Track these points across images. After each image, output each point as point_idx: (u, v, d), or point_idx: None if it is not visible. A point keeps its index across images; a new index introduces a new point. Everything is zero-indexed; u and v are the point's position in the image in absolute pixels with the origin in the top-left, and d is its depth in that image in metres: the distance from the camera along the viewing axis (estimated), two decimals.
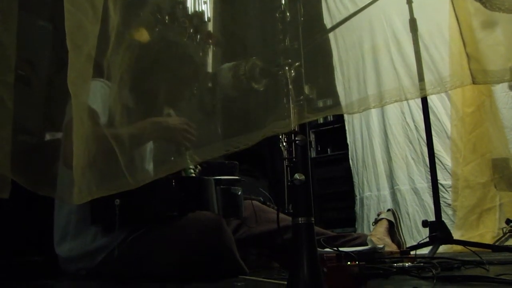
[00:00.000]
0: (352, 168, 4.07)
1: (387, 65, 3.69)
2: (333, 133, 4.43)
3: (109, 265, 1.58)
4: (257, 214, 1.92)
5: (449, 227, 2.58)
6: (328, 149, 4.55)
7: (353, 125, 4.10)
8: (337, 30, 3.55)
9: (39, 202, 1.22)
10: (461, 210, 3.18)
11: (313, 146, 4.53)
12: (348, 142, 4.13)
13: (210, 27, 3.12)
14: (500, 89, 3.23)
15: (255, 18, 1.41)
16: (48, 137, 1.84)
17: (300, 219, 0.96)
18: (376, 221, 2.41)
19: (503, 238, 2.91)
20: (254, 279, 1.48)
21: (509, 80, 2.60)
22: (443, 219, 2.50)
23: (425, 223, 2.47)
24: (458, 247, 2.58)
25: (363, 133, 3.99)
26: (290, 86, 1.01)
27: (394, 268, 1.43)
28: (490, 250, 2.43)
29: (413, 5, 2.64)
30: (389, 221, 2.35)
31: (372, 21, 3.73)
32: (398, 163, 3.71)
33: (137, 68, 1.45)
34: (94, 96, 1.43)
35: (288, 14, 1.06)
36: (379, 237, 2.22)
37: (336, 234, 2.12)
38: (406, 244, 2.35)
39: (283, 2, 1.07)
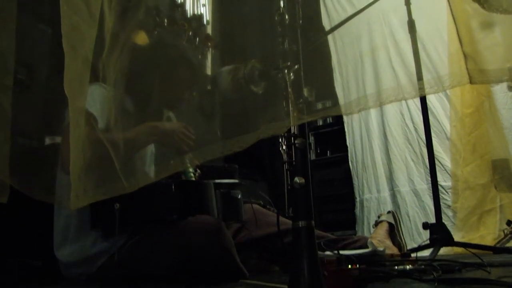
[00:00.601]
0: (351, 170, 4.06)
1: (386, 66, 3.69)
2: (333, 135, 4.43)
3: (109, 270, 1.58)
4: (257, 218, 1.92)
5: (450, 228, 2.57)
6: (328, 151, 4.55)
7: (353, 127, 4.10)
8: (335, 32, 3.56)
9: (39, 205, 1.21)
10: (462, 212, 3.17)
11: (312, 149, 4.53)
12: (348, 144, 4.12)
13: (209, 30, 3.13)
14: (499, 90, 3.23)
15: (253, 21, 1.41)
16: (47, 141, 1.84)
17: (300, 222, 0.96)
18: (377, 223, 2.40)
19: (504, 240, 2.91)
20: (254, 283, 1.47)
21: (508, 80, 2.60)
22: (443, 220, 2.50)
23: (425, 225, 2.47)
24: (459, 249, 2.57)
25: (363, 135, 3.99)
26: (289, 89, 1.01)
27: (395, 271, 1.42)
28: (491, 252, 2.43)
29: (411, 6, 2.65)
30: (389, 223, 2.34)
31: (370, 23, 3.74)
32: (397, 164, 3.71)
33: (134, 71, 1.46)
34: (93, 100, 1.43)
35: (286, 16, 1.06)
36: (379, 240, 2.21)
37: (337, 237, 2.11)
38: (406, 247, 2.34)
39: (281, 5, 1.07)
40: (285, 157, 1.00)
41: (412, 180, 3.62)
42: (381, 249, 1.86)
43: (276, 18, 1.07)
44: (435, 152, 2.69)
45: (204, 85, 1.83)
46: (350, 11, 3.51)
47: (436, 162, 2.87)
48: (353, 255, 1.35)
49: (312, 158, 4.44)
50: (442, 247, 2.39)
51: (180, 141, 1.62)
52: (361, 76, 3.84)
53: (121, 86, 1.34)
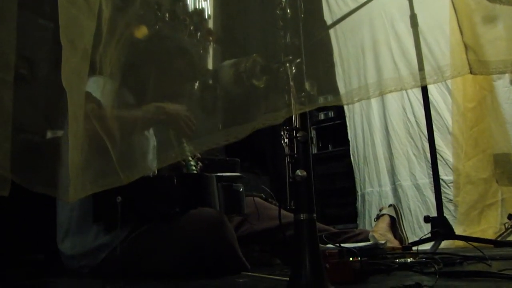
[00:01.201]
0: (353, 164, 4.06)
1: (387, 60, 3.69)
2: (334, 129, 4.43)
3: (111, 263, 1.59)
4: (259, 211, 1.92)
5: (451, 222, 2.58)
6: (329, 145, 4.55)
7: (354, 121, 4.10)
8: (337, 26, 3.55)
9: (42, 199, 1.22)
10: (463, 206, 3.18)
11: (314, 143, 4.53)
12: (349, 138, 4.13)
13: (210, 24, 3.12)
14: (501, 84, 3.22)
15: (255, 15, 1.41)
16: (49, 135, 1.84)
17: (302, 215, 0.96)
18: (378, 217, 2.41)
19: (505, 233, 2.91)
20: (256, 276, 1.48)
21: (509, 72, 2.60)
22: (445, 214, 2.50)
23: (427, 219, 2.48)
24: (460, 243, 2.58)
25: (364, 129, 3.99)
26: (291, 83, 1.01)
27: (396, 264, 1.43)
28: (492, 246, 2.44)
29: (414, 0, 2.65)
30: (391, 216, 2.35)
31: (372, 17, 3.73)
32: (399, 158, 3.71)
33: (133, 63, 1.46)
34: (97, 87, 1.43)
35: (288, 10, 1.06)
36: (381, 233, 2.22)
37: (338, 230, 2.12)
38: (408, 240, 2.35)
39: None
40: (287, 150, 1.00)
41: (413, 174, 3.62)
42: (383, 242, 1.87)
43: (277, 12, 1.07)
44: (436, 147, 2.70)
45: (205, 79, 1.83)
46: (352, 5, 3.50)
47: (438, 156, 2.87)
48: (354, 248, 1.36)
49: (313, 152, 4.45)
50: (443, 240, 2.39)
51: (184, 124, 1.63)
52: (363, 70, 3.83)
53: (120, 78, 1.34)
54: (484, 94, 3.26)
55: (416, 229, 3.40)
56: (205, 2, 3.45)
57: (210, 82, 1.61)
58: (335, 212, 4.17)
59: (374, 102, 3.91)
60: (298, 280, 0.92)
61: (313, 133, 4.53)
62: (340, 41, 3.92)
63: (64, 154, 1.20)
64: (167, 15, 2.80)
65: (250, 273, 1.54)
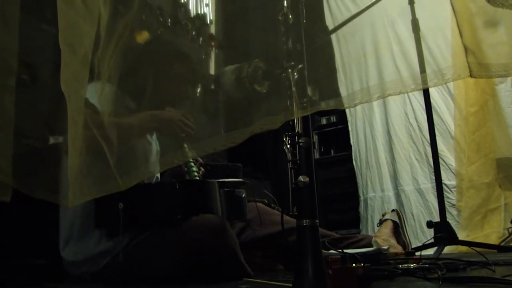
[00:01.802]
0: (355, 169, 4.06)
1: (389, 63, 3.69)
2: (336, 134, 4.43)
3: (113, 269, 1.58)
4: (262, 217, 1.92)
5: (454, 227, 2.57)
6: (332, 150, 4.55)
7: (356, 126, 4.09)
8: (339, 31, 3.55)
9: (44, 203, 1.21)
10: (466, 211, 3.17)
11: (316, 148, 4.52)
12: (352, 143, 4.12)
13: (212, 29, 3.13)
14: (503, 89, 3.22)
15: (257, 20, 1.41)
16: (51, 140, 1.84)
17: (304, 221, 0.96)
18: (381, 222, 2.40)
19: (508, 238, 2.90)
20: (258, 282, 1.47)
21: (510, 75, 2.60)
22: (447, 219, 2.49)
23: (430, 224, 2.47)
24: (463, 248, 2.57)
25: (367, 134, 3.99)
26: (293, 88, 1.01)
27: (399, 270, 1.42)
28: (495, 251, 2.43)
29: (415, 5, 2.65)
30: (393, 221, 2.34)
31: (373, 21, 3.73)
32: (401, 163, 3.70)
33: (132, 68, 1.46)
34: (95, 96, 1.43)
35: (290, 16, 1.06)
36: (384, 238, 2.21)
37: (341, 235, 2.12)
38: (411, 245, 2.35)
39: (285, 4, 1.07)
40: (289, 156, 1.00)
41: (416, 179, 3.61)
42: (386, 247, 1.87)
43: (279, 17, 1.07)
44: (439, 151, 2.69)
45: (207, 84, 1.84)
46: (354, 10, 3.50)
47: (440, 161, 2.86)
48: (357, 253, 1.36)
49: (316, 157, 4.44)
50: (446, 245, 2.39)
51: (178, 128, 1.63)
52: (365, 74, 3.83)
53: (121, 83, 1.34)
54: (486, 98, 3.26)
55: (419, 234, 3.39)
56: (207, 7, 3.46)
57: (212, 87, 1.61)
58: (337, 217, 4.16)
59: (376, 107, 3.91)
60: (300, 286, 0.92)
61: (315, 138, 4.53)
62: (342, 45, 3.92)
63: (65, 160, 1.20)
64: (169, 20, 2.81)
65: (252, 279, 1.54)
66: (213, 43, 2.56)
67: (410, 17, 2.68)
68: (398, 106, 3.77)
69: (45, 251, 1.92)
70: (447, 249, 2.45)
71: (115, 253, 1.58)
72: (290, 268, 1.89)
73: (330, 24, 3.74)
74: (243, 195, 1.74)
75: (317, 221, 0.97)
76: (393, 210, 2.45)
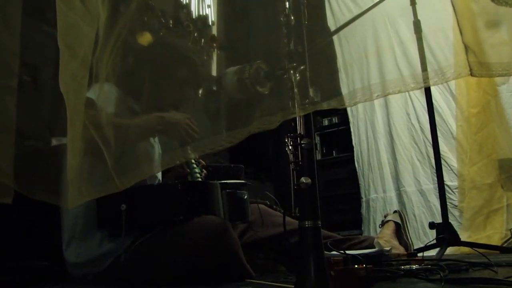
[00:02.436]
0: (357, 170, 4.05)
1: (390, 62, 3.68)
2: (338, 135, 4.43)
3: (116, 270, 1.58)
4: (264, 218, 1.92)
5: (456, 228, 2.57)
6: (333, 151, 4.54)
7: (358, 127, 4.09)
8: (341, 32, 3.55)
9: (47, 204, 1.21)
10: (468, 212, 3.16)
11: (318, 149, 4.52)
12: (353, 144, 4.12)
13: (214, 31, 3.13)
14: (505, 89, 3.21)
15: (259, 21, 1.41)
16: (54, 142, 1.84)
17: (306, 222, 0.96)
18: (383, 223, 2.40)
19: (510, 239, 2.90)
20: (260, 283, 1.47)
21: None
22: (450, 220, 2.49)
23: (432, 225, 2.47)
24: (466, 249, 2.57)
25: (368, 135, 3.98)
26: (295, 90, 1.01)
27: (401, 271, 1.42)
28: (498, 252, 2.42)
29: (417, 6, 2.66)
30: (395, 223, 2.34)
31: (375, 23, 3.73)
32: (403, 164, 3.70)
33: (135, 70, 1.46)
34: (93, 96, 1.42)
35: (292, 17, 1.06)
36: (386, 240, 2.21)
37: (343, 237, 2.11)
38: (413, 246, 2.34)
39: (287, 5, 1.07)
40: (291, 157, 1.00)
41: (418, 180, 3.61)
42: (388, 249, 1.86)
43: (281, 19, 1.08)
44: (441, 152, 2.69)
45: (209, 85, 1.84)
46: (355, 11, 3.50)
47: (442, 162, 2.86)
48: (359, 255, 1.35)
49: (318, 158, 4.44)
50: (448, 246, 2.38)
51: (184, 132, 1.63)
52: (366, 74, 3.83)
53: (123, 85, 1.34)
54: (488, 99, 3.25)
55: (421, 235, 3.38)
56: (209, 8, 3.46)
57: (214, 88, 1.61)
58: (339, 218, 4.16)
59: (378, 108, 3.91)
60: (303, 287, 0.92)
61: (317, 139, 4.53)
62: (343, 45, 3.92)
63: (66, 161, 1.20)
64: (171, 21, 2.82)
65: (254, 280, 1.54)
66: (215, 44, 2.56)
67: (411, 18, 2.68)
68: (400, 107, 3.76)
69: (48, 252, 1.93)
70: (449, 250, 2.45)
71: (118, 254, 1.58)
72: (292, 270, 1.89)
73: (331, 25, 3.74)
74: (245, 196, 1.74)
75: (319, 222, 0.97)
76: (395, 211, 2.45)
